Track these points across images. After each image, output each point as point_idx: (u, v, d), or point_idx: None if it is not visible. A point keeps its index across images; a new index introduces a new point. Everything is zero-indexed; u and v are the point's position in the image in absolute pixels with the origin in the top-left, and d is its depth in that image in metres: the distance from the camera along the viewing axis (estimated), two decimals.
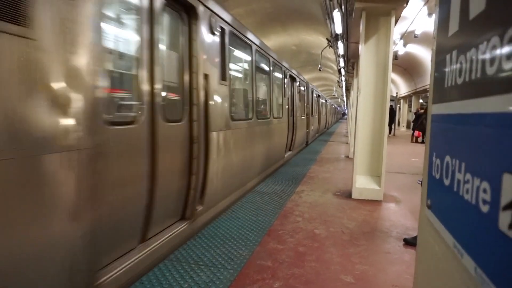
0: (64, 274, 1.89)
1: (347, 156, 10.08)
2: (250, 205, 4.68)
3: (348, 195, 5.30)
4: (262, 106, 7.07)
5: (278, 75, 8.01)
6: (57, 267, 1.84)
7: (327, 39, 11.15)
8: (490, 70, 0.60)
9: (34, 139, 1.62)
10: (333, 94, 42.63)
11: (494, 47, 0.58)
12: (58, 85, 1.76)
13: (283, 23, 14.00)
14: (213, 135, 3.91)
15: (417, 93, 23.97)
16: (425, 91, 20.50)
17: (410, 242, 3.35)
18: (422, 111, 14.90)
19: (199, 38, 3.50)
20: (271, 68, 7.16)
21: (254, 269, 2.81)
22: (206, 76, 3.67)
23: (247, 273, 2.74)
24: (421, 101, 24.27)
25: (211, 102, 3.81)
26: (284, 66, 8.46)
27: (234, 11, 10.07)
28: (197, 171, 3.55)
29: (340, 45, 8.88)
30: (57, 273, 1.84)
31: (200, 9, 3.51)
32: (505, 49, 0.54)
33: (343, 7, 5.91)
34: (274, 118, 7.27)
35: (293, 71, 9.76)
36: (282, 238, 3.49)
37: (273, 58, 7.25)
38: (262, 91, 6.91)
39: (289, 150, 9.63)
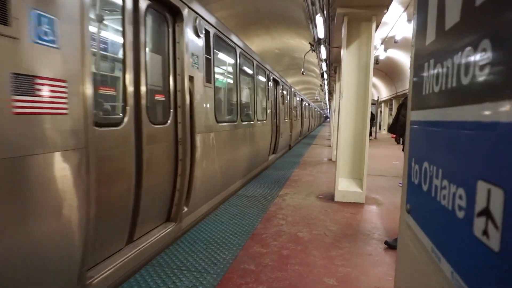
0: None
1: (330, 159, 10.20)
2: (233, 208, 4.66)
3: (331, 198, 5.35)
4: None
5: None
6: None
7: (310, 43, 11.25)
8: (464, 80, 0.61)
9: None
10: (316, 97, 43.12)
11: (468, 57, 0.60)
12: None
13: (267, 26, 14.07)
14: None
15: (398, 97, 24.50)
16: (405, 95, 21.04)
17: (390, 245, 3.40)
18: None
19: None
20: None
21: (237, 273, 2.80)
22: (191, 78, 3.71)
23: (231, 277, 2.73)
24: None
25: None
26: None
27: (217, 14, 10.05)
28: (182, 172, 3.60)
29: (323, 49, 8.99)
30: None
31: (185, 11, 3.51)
32: (479, 60, 0.56)
33: (325, 12, 5.99)
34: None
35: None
36: (265, 242, 3.49)
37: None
38: None
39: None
